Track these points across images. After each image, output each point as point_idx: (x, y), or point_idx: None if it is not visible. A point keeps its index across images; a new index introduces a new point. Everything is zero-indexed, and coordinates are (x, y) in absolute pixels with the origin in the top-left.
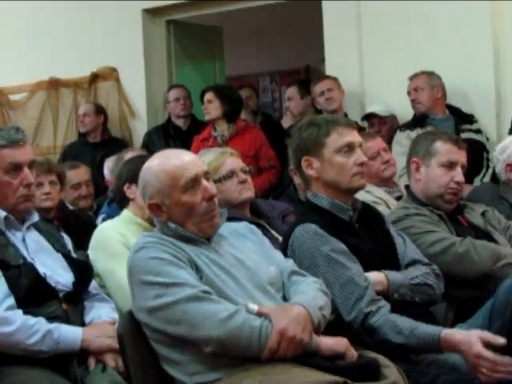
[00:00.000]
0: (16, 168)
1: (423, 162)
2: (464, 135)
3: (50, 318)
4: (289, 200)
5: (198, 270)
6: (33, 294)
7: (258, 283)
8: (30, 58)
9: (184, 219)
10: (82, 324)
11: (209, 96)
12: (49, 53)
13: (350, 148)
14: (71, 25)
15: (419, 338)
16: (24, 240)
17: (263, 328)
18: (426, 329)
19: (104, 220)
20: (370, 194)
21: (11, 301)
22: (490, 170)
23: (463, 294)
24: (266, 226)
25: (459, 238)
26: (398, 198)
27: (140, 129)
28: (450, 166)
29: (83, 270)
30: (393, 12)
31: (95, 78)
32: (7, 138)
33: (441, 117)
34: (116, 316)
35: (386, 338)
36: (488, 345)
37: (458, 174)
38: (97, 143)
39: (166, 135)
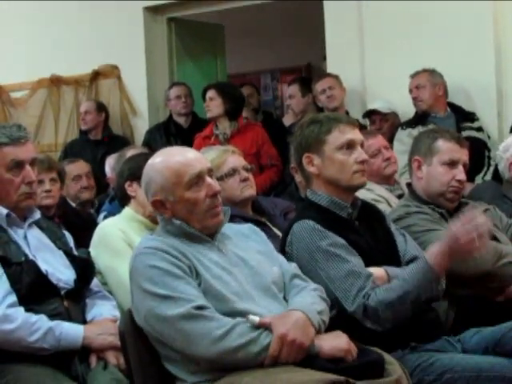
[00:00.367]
0: (18, 166)
1: (425, 160)
2: (465, 133)
3: (52, 316)
4: (290, 198)
5: (197, 275)
6: (34, 291)
7: (260, 283)
8: (31, 56)
9: (188, 216)
10: (84, 321)
11: (211, 94)
12: (50, 50)
13: (350, 146)
14: (72, 22)
15: (413, 276)
16: (26, 237)
17: (260, 341)
18: (412, 267)
19: (105, 217)
20: (371, 192)
21: (13, 298)
22: (492, 169)
23: (464, 293)
24: (268, 223)
25: None
26: (399, 196)
27: (141, 126)
28: (452, 164)
29: (85, 268)
30: (394, 9)
31: (96, 75)
32: (9, 135)
33: (442, 115)
34: (117, 314)
35: (386, 303)
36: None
37: (460, 173)
38: (98, 141)
39: (168, 133)
